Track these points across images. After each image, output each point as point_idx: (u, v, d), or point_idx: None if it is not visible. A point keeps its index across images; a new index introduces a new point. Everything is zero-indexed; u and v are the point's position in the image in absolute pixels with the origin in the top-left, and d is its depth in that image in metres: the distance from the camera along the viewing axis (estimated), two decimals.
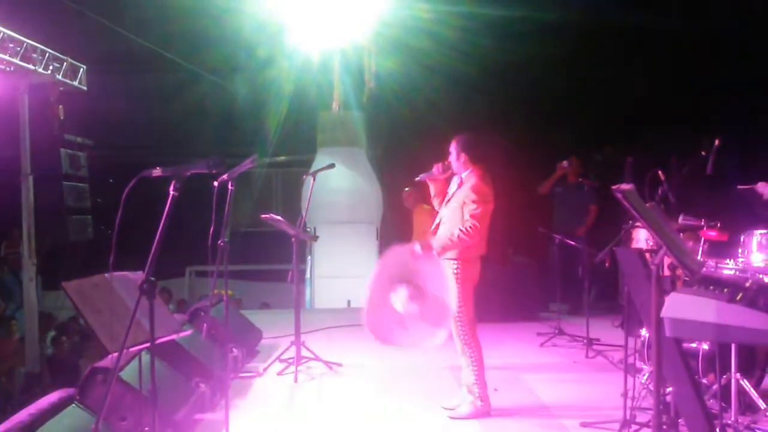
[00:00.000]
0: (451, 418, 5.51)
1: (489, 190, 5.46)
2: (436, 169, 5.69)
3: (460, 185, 5.56)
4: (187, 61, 13.33)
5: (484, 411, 5.50)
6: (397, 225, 12.02)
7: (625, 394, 4.96)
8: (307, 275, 12.54)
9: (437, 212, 9.59)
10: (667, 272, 4.98)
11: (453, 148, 5.58)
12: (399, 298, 5.30)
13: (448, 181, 5.78)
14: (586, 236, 9.34)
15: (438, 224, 5.61)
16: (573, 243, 8.07)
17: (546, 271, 9.49)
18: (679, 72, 11.62)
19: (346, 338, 8.63)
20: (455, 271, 5.45)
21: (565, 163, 9.87)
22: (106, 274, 4.03)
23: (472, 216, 5.34)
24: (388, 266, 5.45)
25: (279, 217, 6.97)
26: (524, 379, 6.56)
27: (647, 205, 3.75)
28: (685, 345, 4.90)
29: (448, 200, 5.61)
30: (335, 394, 6.18)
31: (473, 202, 5.36)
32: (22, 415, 4.14)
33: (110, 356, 4.82)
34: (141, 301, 3.35)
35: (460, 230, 5.31)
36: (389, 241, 12.46)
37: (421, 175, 5.82)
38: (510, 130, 11.42)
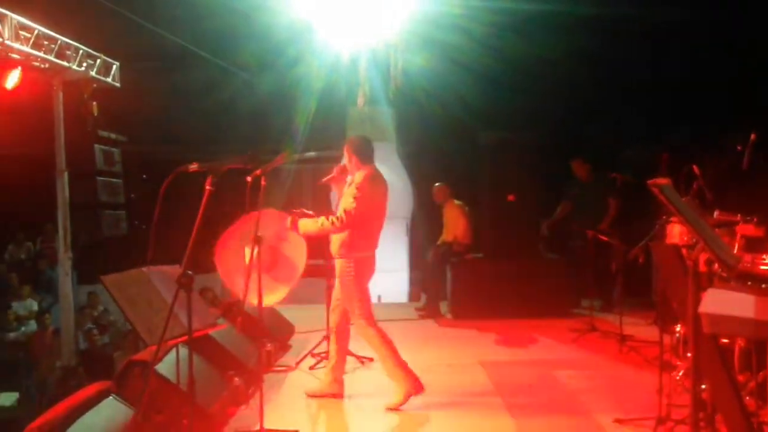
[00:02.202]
0: (387, 409, 5.58)
1: (371, 189, 5.56)
2: (336, 171, 5.90)
3: (350, 185, 5.71)
4: (218, 58, 13.41)
5: (416, 388, 5.59)
6: (428, 220, 12.02)
7: (660, 391, 4.92)
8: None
9: (465, 207, 9.66)
10: (703, 268, 4.93)
11: (345, 151, 5.72)
12: (249, 252, 5.30)
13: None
14: (609, 230, 9.22)
15: None
16: (606, 239, 8.00)
17: (574, 267, 9.42)
18: (715, 66, 11.47)
19: None
20: (349, 269, 5.58)
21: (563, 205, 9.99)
22: (144, 268, 4.08)
23: (345, 209, 5.47)
24: (250, 222, 5.43)
25: (310, 212, 6.99)
26: (557, 376, 6.53)
27: (683, 200, 3.71)
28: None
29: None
30: (367, 389, 6.17)
31: (352, 197, 5.48)
32: (61, 407, 4.21)
33: (147, 349, 4.90)
34: (178, 295, 3.39)
35: (330, 219, 5.48)
36: (420, 236, 12.52)
37: (324, 179, 5.98)
38: (540, 126, 11.37)
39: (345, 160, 5.73)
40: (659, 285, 6.91)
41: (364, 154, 5.68)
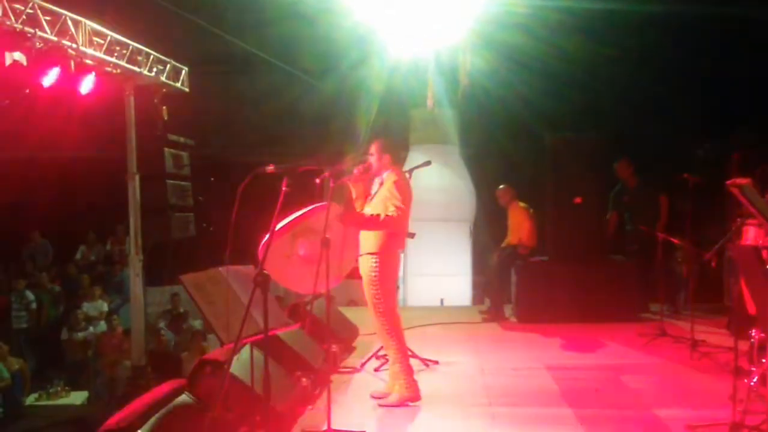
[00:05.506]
0: (379, 405, 5.71)
1: (407, 190, 5.63)
2: (357, 170, 5.82)
3: (381, 185, 5.71)
4: (282, 62, 13.56)
5: (412, 397, 5.71)
6: (491, 223, 11.96)
7: (733, 397, 4.81)
8: (401, 273, 12.58)
9: (530, 210, 9.58)
10: None
11: (375, 149, 5.73)
12: (303, 244, 5.49)
13: (369, 183, 5.91)
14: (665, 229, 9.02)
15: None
16: (677, 241, 7.85)
17: (641, 271, 9.24)
18: None
19: (441, 336, 8.66)
20: (375, 265, 5.58)
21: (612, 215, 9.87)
22: (221, 268, 4.16)
23: (396, 207, 5.48)
24: (307, 217, 5.56)
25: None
26: (626, 381, 6.43)
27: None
28: None
29: (371, 199, 5.75)
30: (431, 391, 6.15)
31: (397, 198, 5.50)
32: (136, 404, 4.32)
33: (217, 349, 4.98)
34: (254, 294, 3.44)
35: (386, 215, 5.45)
36: (483, 239, 12.46)
37: (343, 178, 5.87)
38: (604, 127, 11.21)
39: (374, 159, 5.73)
40: (735, 288, 6.74)
41: (397, 155, 5.78)
